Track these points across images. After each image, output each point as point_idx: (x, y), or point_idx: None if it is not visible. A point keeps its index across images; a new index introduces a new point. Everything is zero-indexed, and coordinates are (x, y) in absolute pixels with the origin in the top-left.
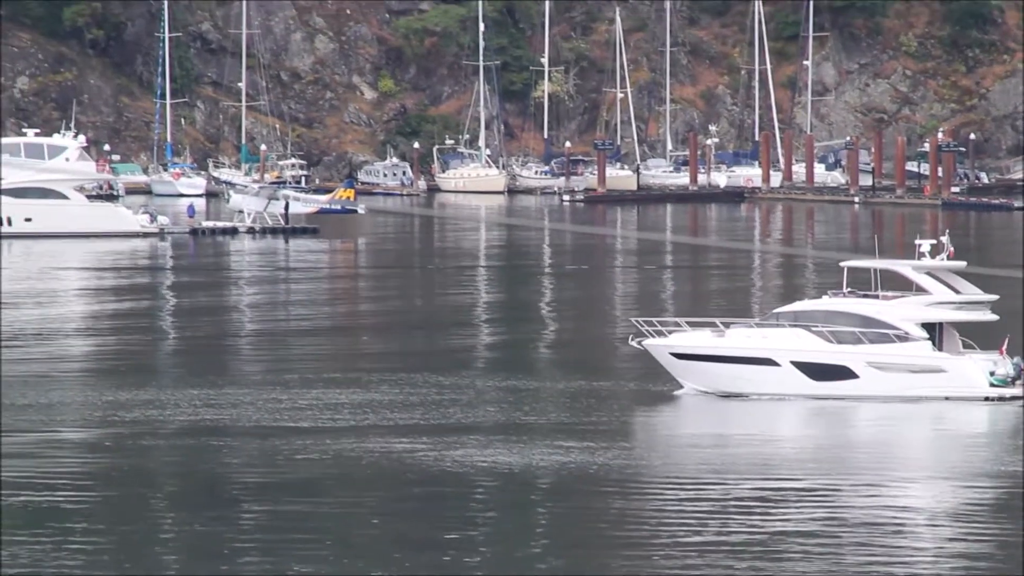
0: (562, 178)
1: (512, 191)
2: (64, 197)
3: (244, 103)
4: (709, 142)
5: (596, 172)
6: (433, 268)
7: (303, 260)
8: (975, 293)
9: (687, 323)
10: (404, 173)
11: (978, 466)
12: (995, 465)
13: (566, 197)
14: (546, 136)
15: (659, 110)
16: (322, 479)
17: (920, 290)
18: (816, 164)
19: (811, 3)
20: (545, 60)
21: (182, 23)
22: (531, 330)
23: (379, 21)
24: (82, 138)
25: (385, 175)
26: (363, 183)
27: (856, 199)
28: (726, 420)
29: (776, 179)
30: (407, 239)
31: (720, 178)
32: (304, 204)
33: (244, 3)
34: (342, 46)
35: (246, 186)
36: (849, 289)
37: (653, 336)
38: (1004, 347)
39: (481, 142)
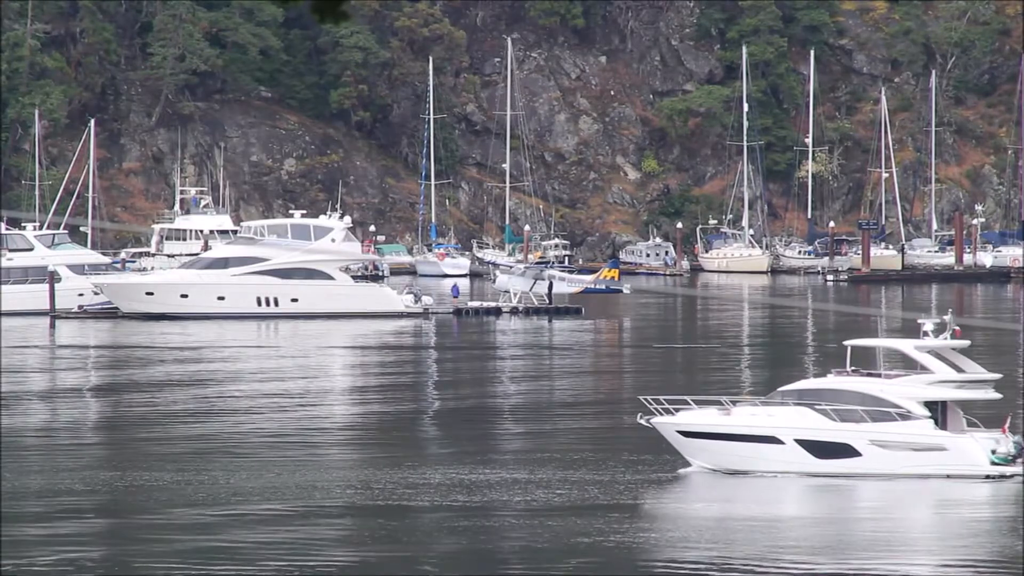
0: (826, 258)
1: (775, 271)
2: (330, 278)
3: (508, 184)
4: (975, 222)
5: (860, 252)
6: (694, 347)
7: (567, 339)
8: (978, 372)
9: (694, 401)
10: (667, 253)
11: (978, 545)
12: (994, 545)
13: (830, 277)
14: (810, 216)
15: (924, 190)
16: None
17: (924, 369)
18: None
19: None
20: (809, 140)
21: (447, 105)
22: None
23: (643, 102)
24: (348, 219)
25: (648, 255)
26: (625, 263)
27: None
28: (730, 498)
29: None
30: (670, 319)
31: (986, 258)
32: (569, 284)
33: (509, 85)
34: (606, 127)
35: (511, 266)
36: (852, 368)
37: (661, 414)
38: (1006, 426)
39: (744, 222)
